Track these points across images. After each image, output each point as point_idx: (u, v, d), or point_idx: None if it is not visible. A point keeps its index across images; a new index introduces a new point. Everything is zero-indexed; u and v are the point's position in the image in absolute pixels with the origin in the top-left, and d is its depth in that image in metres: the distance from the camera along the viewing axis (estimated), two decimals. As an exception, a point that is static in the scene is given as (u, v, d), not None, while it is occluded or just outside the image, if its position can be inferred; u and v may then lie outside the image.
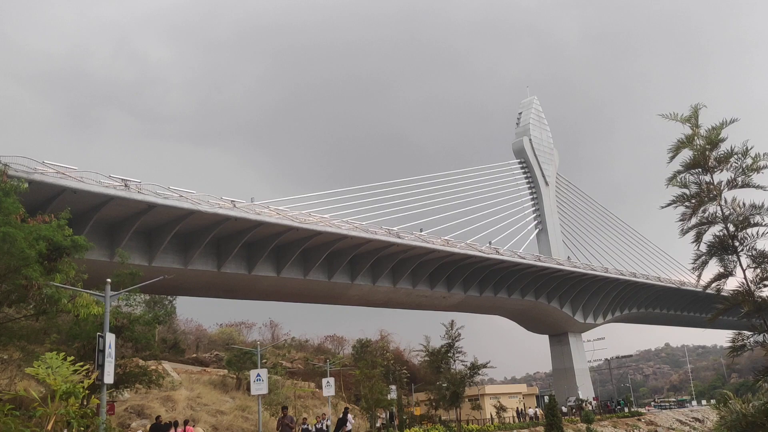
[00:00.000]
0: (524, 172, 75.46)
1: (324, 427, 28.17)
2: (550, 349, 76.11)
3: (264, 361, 54.89)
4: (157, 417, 25.03)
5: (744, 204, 9.73)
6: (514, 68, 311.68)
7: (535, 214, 72.92)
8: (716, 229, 10.29)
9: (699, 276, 10.68)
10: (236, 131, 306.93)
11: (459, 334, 28.79)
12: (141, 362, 21.96)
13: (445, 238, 53.71)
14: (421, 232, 52.34)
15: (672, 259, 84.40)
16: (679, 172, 10.75)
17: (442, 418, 40.33)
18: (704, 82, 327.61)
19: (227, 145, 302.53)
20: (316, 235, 42.29)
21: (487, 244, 57.77)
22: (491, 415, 46.73)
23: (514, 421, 48.40)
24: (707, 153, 10.31)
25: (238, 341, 61.69)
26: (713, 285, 10.57)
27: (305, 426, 28.96)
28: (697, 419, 64.15)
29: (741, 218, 9.66)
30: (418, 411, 43.05)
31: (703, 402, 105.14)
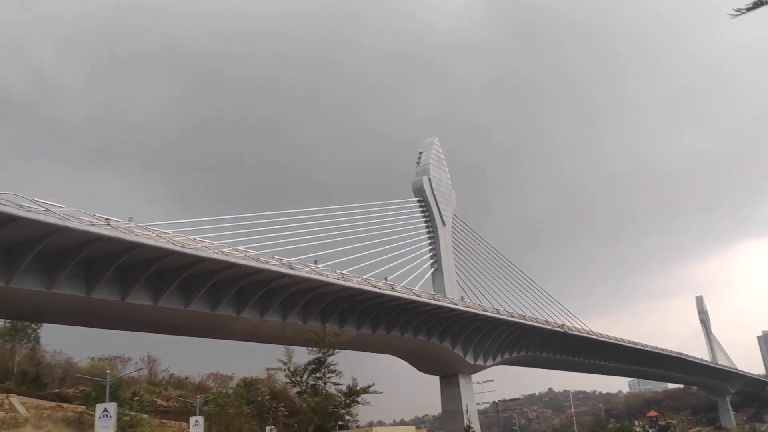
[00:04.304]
0: (422, 211, 75.68)
1: None
2: (441, 390, 75.37)
3: (136, 398, 50.43)
4: None
5: None
6: (420, 109, 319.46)
7: (431, 253, 72.88)
8: None
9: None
10: (134, 154, 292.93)
11: (333, 345, 24.54)
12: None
13: (341, 272, 51.98)
14: (315, 264, 50.35)
15: (560, 304, 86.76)
16: None
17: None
18: (597, 137, 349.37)
19: (123, 169, 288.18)
20: (199, 262, 39.28)
21: (383, 281, 56.57)
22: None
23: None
24: None
25: (112, 377, 56.83)
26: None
27: None
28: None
29: None
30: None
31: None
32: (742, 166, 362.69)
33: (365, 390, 25.35)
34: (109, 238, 34.39)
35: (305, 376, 25.22)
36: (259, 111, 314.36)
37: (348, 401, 24.78)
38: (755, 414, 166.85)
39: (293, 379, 24.37)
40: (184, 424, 43.29)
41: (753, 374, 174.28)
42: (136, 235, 36.04)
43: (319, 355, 23.46)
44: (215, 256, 39.78)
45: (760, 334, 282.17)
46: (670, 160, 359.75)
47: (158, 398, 56.79)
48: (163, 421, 42.83)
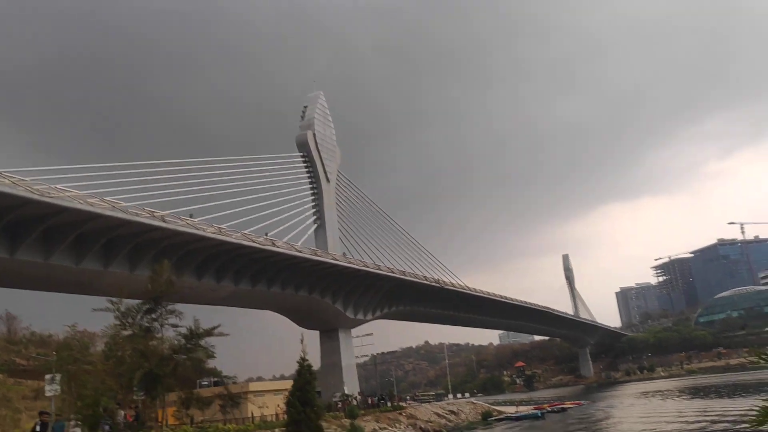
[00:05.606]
0: (306, 166, 74.59)
1: None
2: (320, 345, 75.96)
3: (-10, 357, 46.78)
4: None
5: None
6: (312, 63, 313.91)
7: (314, 209, 72.27)
8: None
9: None
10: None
11: (172, 281, 21.98)
12: None
13: (218, 226, 50.36)
14: (191, 217, 48.45)
15: (438, 261, 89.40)
16: None
17: (199, 419, 36.95)
18: (489, 100, 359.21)
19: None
20: (60, 212, 36.51)
21: (264, 236, 55.51)
22: (252, 414, 44.36)
23: (277, 419, 46.56)
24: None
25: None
26: None
27: None
28: (452, 411, 68.02)
29: None
30: (170, 411, 39.05)
31: (459, 395, 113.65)
32: (608, 134, 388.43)
33: (209, 332, 22.73)
34: (-47, 184, 31.16)
35: (138, 318, 22.63)
36: (139, 54, 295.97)
37: (189, 345, 22.30)
38: (611, 363, 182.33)
39: (124, 321, 22.04)
40: (42, 384, 40.82)
41: (610, 327, 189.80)
42: (-14, 182, 32.89)
43: (156, 295, 21.02)
44: (78, 206, 37.12)
45: (618, 290, 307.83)
46: (546, 124, 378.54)
47: (17, 357, 53.27)
48: (20, 380, 40.09)
